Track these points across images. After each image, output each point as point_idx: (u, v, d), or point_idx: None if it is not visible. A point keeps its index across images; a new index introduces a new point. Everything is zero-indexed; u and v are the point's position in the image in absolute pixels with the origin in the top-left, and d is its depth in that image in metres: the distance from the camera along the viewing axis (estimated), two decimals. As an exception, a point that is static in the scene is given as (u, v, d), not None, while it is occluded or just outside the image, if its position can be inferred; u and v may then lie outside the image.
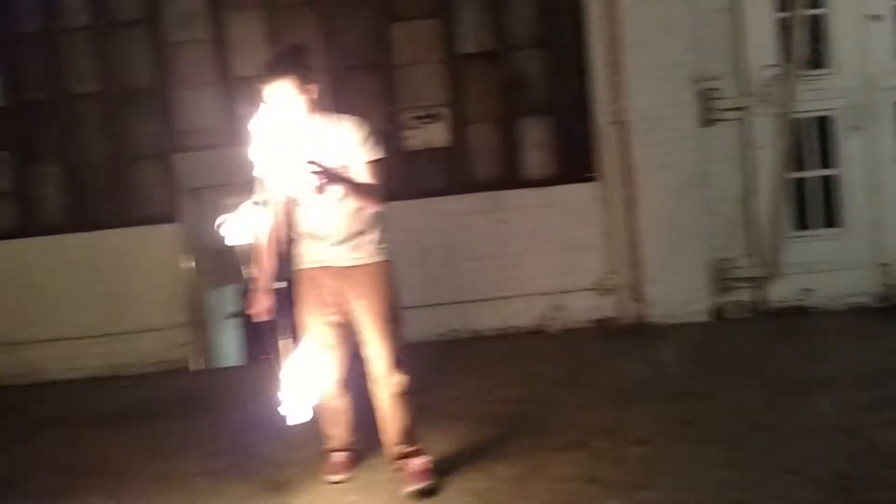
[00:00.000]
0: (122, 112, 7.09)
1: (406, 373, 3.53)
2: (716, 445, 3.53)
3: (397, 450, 3.55)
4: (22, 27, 7.12)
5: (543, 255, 6.83)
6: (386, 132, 6.89)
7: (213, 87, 7.04)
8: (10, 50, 7.09)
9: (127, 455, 4.32)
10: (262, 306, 3.58)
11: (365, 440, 3.76)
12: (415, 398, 3.60)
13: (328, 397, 3.55)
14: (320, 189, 3.32)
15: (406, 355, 3.57)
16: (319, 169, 3.23)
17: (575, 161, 6.96)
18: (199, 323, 6.87)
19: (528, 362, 5.78)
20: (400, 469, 3.55)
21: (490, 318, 6.88)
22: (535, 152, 7.05)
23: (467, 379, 5.36)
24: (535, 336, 6.75)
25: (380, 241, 3.64)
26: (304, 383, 3.23)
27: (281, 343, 3.38)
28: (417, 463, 3.50)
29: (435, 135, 7.06)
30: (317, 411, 3.45)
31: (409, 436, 3.56)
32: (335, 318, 3.54)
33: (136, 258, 6.86)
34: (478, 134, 7.05)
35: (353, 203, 3.45)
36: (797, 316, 6.56)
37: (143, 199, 7.11)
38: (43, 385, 6.68)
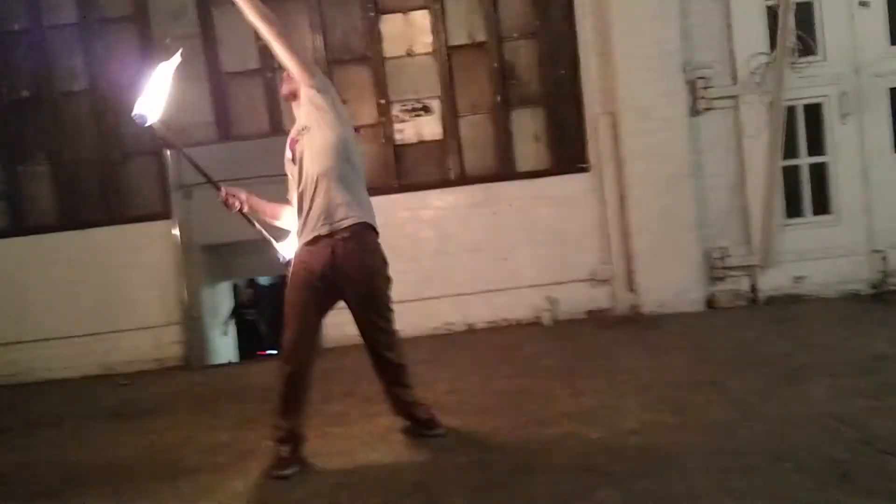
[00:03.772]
0: (112, 109, 7.06)
1: (397, 342, 3.82)
2: (711, 434, 3.53)
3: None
4: (9, 25, 7.08)
5: (537, 247, 6.85)
6: (378, 125, 6.92)
7: (203, 82, 7.01)
8: (-3, 48, 7.06)
9: (123, 453, 4.31)
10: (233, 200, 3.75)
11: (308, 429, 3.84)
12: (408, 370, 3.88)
13: (296, 375, 3.61)
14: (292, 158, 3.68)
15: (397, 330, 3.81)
16: None
17: (567, 152, 6.97)
18: (193, 320, 6.85)
19: (523, 354, 5.79)
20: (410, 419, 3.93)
21: (484, 311, 6.89)
22: (527, 144, 7.06)
23: (463, 372, 5.36)
24: (529, 328, 6.77)
25: (359, 207, 3.66)
26: None
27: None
28: (423, 411, 3.93)
29: (426, 127, 7.06)
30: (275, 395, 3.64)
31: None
32: (321, 296, 3.63)
33: (129, 256, 6.87)
34: (469, 126, 7.06)
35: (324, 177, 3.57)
36: (790, 303, 6.60)
37: (134, 197, 7.09)
38: (38, 384, 6.69)
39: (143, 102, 3.37)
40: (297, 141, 3.66)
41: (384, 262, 3.74)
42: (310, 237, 3.60)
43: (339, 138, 3.60)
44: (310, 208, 3.60)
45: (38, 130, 7.11)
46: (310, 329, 3.65)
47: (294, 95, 3.71)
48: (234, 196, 3.76)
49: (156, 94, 3.40)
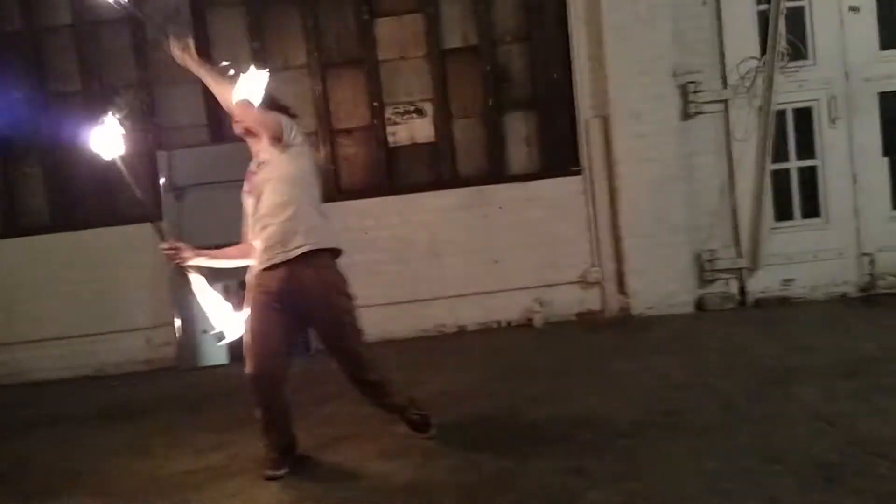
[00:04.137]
0: (105, 110, 7.02)
1: (371, 360, 3.76)
2: (700, 436, 3.56)
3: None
4: (3, 26, 7.07)
5: (528, 249, 6.86)
6: (371, 128, 6.93)
7: (197, 84, 7.00)
8: (-10, 48, 7.04)
9: (116, 453, 4.31)
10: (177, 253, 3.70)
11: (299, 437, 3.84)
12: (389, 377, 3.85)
13: (269, 399, 3.61)
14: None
15: (366, 341, 3.79)
16: None
17: (558, 155, 6.99)
18: (185, 322, 6.84)
19: (513, 356, 5.81)
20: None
21: (475, 313, 6.91)
22: (519, 146, 7.09)
23: (454, 374, 5.38)
24: (520, 330, 6.79)
25: (315, 233, 3.63)
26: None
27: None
28: (414, 411, 3.89)
29: (419, 130, 7.07)
30: (257, 419, 3.65)
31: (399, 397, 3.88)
32: (283, 316, 3.59)
33: (121, 257, 6.85)
34: (462, 129, 7.08)
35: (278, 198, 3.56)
36: (779, 306, 6.65)
37: (127, 198, 7.07)
38: (31, 385, 6.68)
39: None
40: (254, 174, 3.65)
41: (343, 280, 3.69)
42: (266, 265, 3.57)
43: (300, 170, 3.62)
44: (267, 237, 3.56)
45: (32, 132, 7.09)
46: (274, 352, 3.59)
47: (248, 132, 3.67)
48: (177, 250, 3.71)
49: None
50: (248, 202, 3.66)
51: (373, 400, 3.84)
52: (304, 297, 3.56)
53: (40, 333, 6.86)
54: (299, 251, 3.53)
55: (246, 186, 3.69)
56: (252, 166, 3.72)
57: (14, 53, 7.07)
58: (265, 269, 3.58)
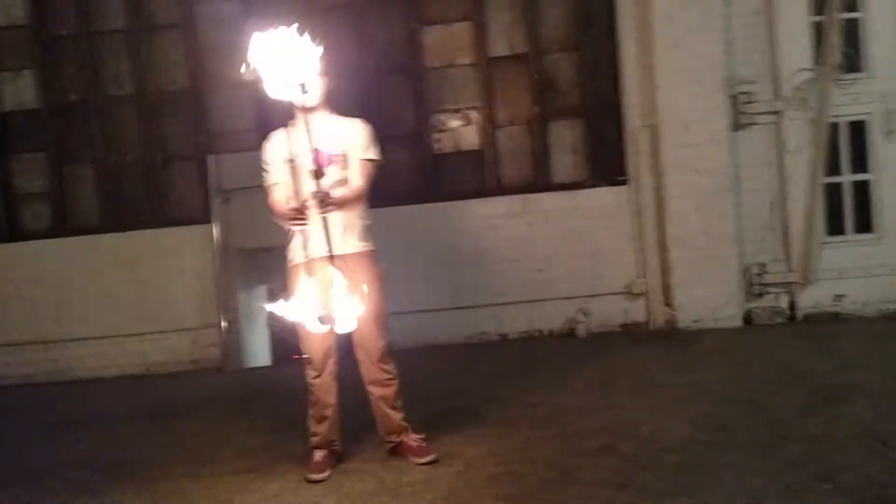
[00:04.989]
0: (157, 114, 7.19)
1: (393, 360, 3.84)
2: (748, 452, 3.49)
3: (395, 426, 3.84)
4: (58, 29, 7.24)
5: (572, 259, 6.82)
6: (417, 134, 6.95)
7: (246, 89, 7.10)
8: (45, 52, 7.22)
9: (159, 452, 4.37)
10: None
11: (343, 442, 3.92)
12: (401, 382, 3.88)
13: (319, 390, 3.76)
14: (316, 174, 3.54)
15: (391, 344, 3.86)
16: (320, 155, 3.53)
17: (605, 164, 6.94)
18: (230, 323, 6.93)
19: (556, 366, 5.77)
20: (397, 448, 3.85)
21: (518, 321, 6.88)
22: (566, 155, 7.05)
23: (496, 382, 5.36)
24: (563, 339, 6.74)
25: (367, 230, 3.82)
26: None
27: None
28: (414, 438, 3.83)
29: (465, 137, 7.08)
30: (307, 407, 3.81)
31: (403, 414, 3.87)
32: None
33: (170, 259, 6.97)
34: (508, 136, 7.06)
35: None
36: (830, 322, 6.50)
37: (176, 201, 7.20)
38: (78, 382, 6.81)
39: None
40: (328, 159, 3.66)
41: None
42: (322, 255, 3.55)
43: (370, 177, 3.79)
44: (325, 227, 3.51)
45: (84, 134, 7.25)
46: (324, 339, 3.70)
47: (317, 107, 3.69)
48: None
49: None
50: (305, 182, 3.62)
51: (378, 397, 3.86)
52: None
53: (88, 332, 7.00)
54: (362, 248, 3.77)
55: (310, 163, 3.60)
56: (323, 147, 3.66)
57: (69, 57, 7.24)
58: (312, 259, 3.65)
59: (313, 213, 3.53)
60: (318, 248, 3.54)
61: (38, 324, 7.02)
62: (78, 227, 7.19)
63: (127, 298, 7.00)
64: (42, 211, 7.29)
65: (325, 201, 3.49)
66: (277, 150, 3.72)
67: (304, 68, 3.39)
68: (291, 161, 3.63)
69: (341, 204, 3.61)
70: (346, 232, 3.68)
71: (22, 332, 7.02)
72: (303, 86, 3.40)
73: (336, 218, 3.58)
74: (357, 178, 3.76)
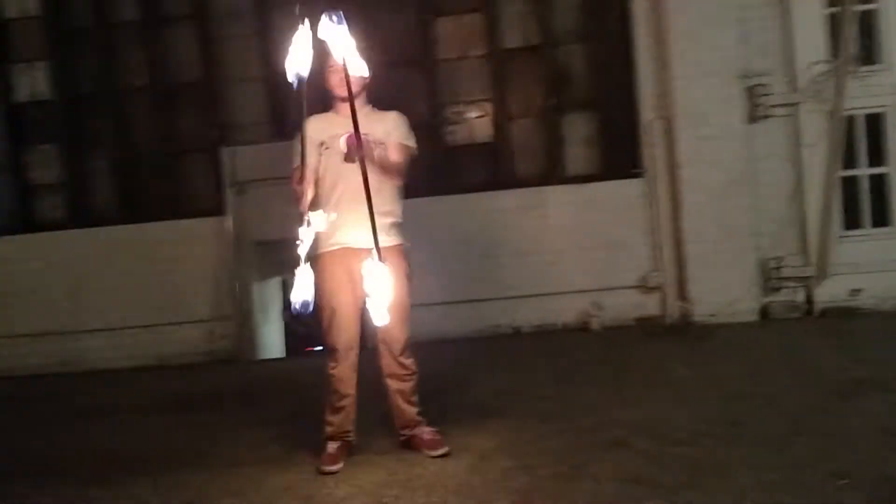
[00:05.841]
0: (170, 106, 7.21)
1: (414, 355, 3.84)
2: (761, 447, 3.47)
3: (409, 420, 3.83)
4: (71, 22, 7.27)
5: (586, 252, 6.79)
6: (429, 127, 6.93)
7: (259, 82, 7.11)
8: (59, 44, 7.25)
9: (173, 443, 4.39)
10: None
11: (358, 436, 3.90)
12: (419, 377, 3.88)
13: (338, 381, 3.74)
14: (350, 157, 3.53)
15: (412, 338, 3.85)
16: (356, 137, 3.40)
17: (619, 157, 6.91)
18: (244, 315, 6.95)
19: (569, 359, 5.75)
20: (409, 441, 3.84)
21: (531, 315, 6.87)
22: (579, 148, 7.03)
23: (509, 375, 5.35)
24: (576, 333, 6.72)
25: (401, 224, 3.80)
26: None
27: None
28: (427, 431, 3.82)
29: (478, 130, 7.06)
30: (324, 397, 3.81)
31: (418, 409, 3.87)
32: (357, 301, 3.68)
33: (184, 250, 7.00)
34: (521, 129, 7.04)
35: (378, 180, 3.57)
36: (847, 316, 6.45)
37: (190, 192, 7.23)
38: (91, 373, 6.85)
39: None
40: (363, 145, 3.49)
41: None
42: (352, 245, 3.61)
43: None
44: (356, 215, 3.48)
45: (98, 125, 7.29)
46: (351, 330, 3.73)
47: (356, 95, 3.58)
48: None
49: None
50: (338, 166, 3.67)
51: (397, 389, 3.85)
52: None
53: (104, 323, 7.04)
54: (394, 241, 3.75)
55: (342, 146, 3.65)
56: (361, 131, 3.53)
57: (83, 48, 7.26)
58: (343, 248, 3.69)
59: (348, 202, 3.55)
60: (352, 239, 3.59)
61: (53, 315, 7.06)
62: (92, 219, 7.24)
63: (141, 290, 7.03)
64: (56, 202, 7.34)
65: (367, 148, 3.46)
66: (311, 132, 3.58)
67: (345, 56, 3.37)
68: (323, 143, 3.66)
69: (381, 162, 3.61)
70: (379, 225, 3.50)
71: (36, 323, 7.07)
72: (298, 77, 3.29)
73: (364, 210, 3.44)
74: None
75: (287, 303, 8.24)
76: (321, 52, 3.35)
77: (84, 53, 7.29)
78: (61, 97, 7.26)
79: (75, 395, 6.09)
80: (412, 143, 3.83)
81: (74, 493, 3.69)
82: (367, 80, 3.72)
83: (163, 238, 7.03)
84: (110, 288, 7.06)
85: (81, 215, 7.27)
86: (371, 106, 3.81)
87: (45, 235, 7.19)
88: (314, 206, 3.60)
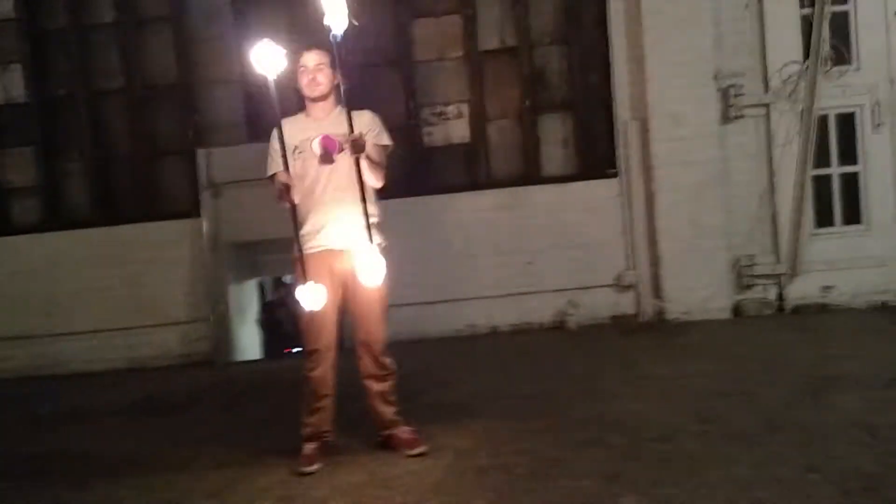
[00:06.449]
0: (146, 108, 7.16)
1: (392, 355, 3.84)
2: (736, 443, 3.51)
3: (388, 420, 3.84)
4: (47, 23, 7.20)
5: (562, 251, 6.83)
6: (407, 128, 6.93)
7: (235, 84, 7.08)
8: (34, 46, 7.17)
9: (150, 446, 4.37)
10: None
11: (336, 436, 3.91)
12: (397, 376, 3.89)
13: (317, 382, 3.73)
14: (326, 158, 3.58)
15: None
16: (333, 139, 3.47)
17: (595, 157, 6.96)
18: (220, 317, 6.91)
19: (546, 358, 5.79)
20: (387, 440, 3.85)
21: (508, 314, 6.89)
22: (556, 148, 7.06)
23: (486, 374, 5.38)
24: (553, 332, 6.76)
25: (378, 223, 3.75)
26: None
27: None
28: (405, 431, 3.83)
29: (455, 131, 7.07)
30: (301, 398, 3.80)
31: (396, 408, 3.87)
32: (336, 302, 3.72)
33: (160, 252, 6.95)
34: (498, 130, 7.06)
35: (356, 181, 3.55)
36: (818, 313, 6.55)
37: (166, 195, 7.18)
38: (67, 377, 6.78)
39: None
40: (339, 145, 3.58)
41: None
42: (332, 247, 3.64)
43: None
44: (336, 216, 3.61)
45: (74, 127, 7.22)
46: (331, 330, 3.73)
47: (324, 97, 3.72)
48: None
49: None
50: (314, 168, 3.67)
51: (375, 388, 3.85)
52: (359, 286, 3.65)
53: (77, 326, 6.97)
54: (376, 242, 3.69)
55: (317, 148, 3.66)
56: (333, 134, 3.66)
57: (58, 50, 7.19)
58: (323, 251, 3.70)
59: (327, 204, 3.60)
60: (333, 240, 3.61)
61: (28, 318, 6.99)
62: (67, 222, 7.16)
63: (116, 292, 6.97)
64: (31, 205, 7.26)
65: (358, 143, 3.45)
66: (285, 137, 3.57)
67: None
68: (297, 148, 3.66)
69: (370, 157, 3.60)
70: (358, 225, 3.55)
71: (11, 326, 6.98)
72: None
73: (349, 210, 3.56)
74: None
75: (264, 304, 8.32)
76: (292, 53, 3.38)
77: (60, 55, 7.22)
78: (37, 99, 7.18)
79: (50, 398, 6.03)
80: (387, 140, 3.83)
81: (50, 496, 3.67)
82: (338, 81, 3.69)
83: (138, 240, 6.98)
84: (85, 290, 6.99)
85: (57, 218, 7.19)
86: (341, 107, 3.71)
87: (19, 238, 7.12)
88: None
